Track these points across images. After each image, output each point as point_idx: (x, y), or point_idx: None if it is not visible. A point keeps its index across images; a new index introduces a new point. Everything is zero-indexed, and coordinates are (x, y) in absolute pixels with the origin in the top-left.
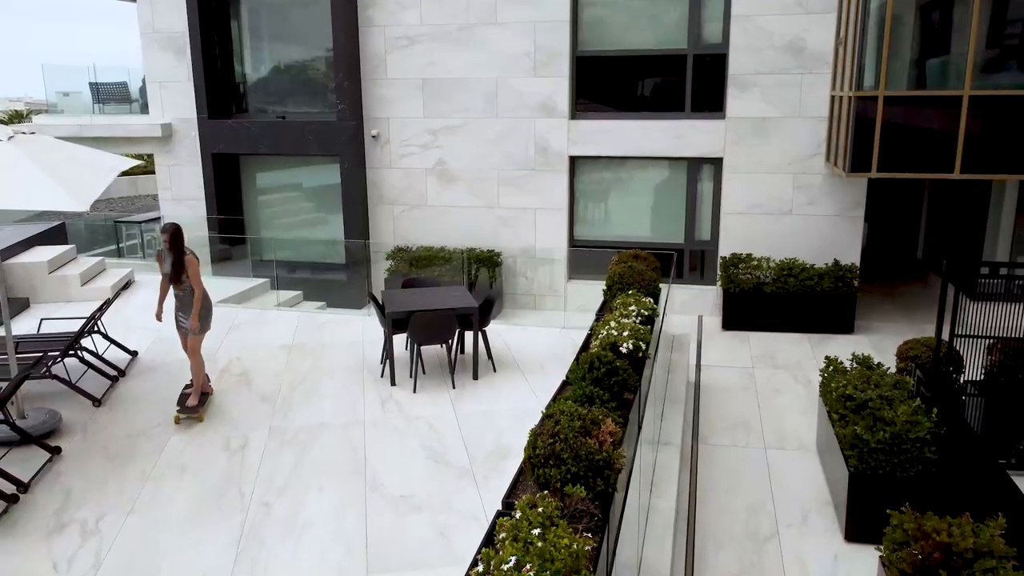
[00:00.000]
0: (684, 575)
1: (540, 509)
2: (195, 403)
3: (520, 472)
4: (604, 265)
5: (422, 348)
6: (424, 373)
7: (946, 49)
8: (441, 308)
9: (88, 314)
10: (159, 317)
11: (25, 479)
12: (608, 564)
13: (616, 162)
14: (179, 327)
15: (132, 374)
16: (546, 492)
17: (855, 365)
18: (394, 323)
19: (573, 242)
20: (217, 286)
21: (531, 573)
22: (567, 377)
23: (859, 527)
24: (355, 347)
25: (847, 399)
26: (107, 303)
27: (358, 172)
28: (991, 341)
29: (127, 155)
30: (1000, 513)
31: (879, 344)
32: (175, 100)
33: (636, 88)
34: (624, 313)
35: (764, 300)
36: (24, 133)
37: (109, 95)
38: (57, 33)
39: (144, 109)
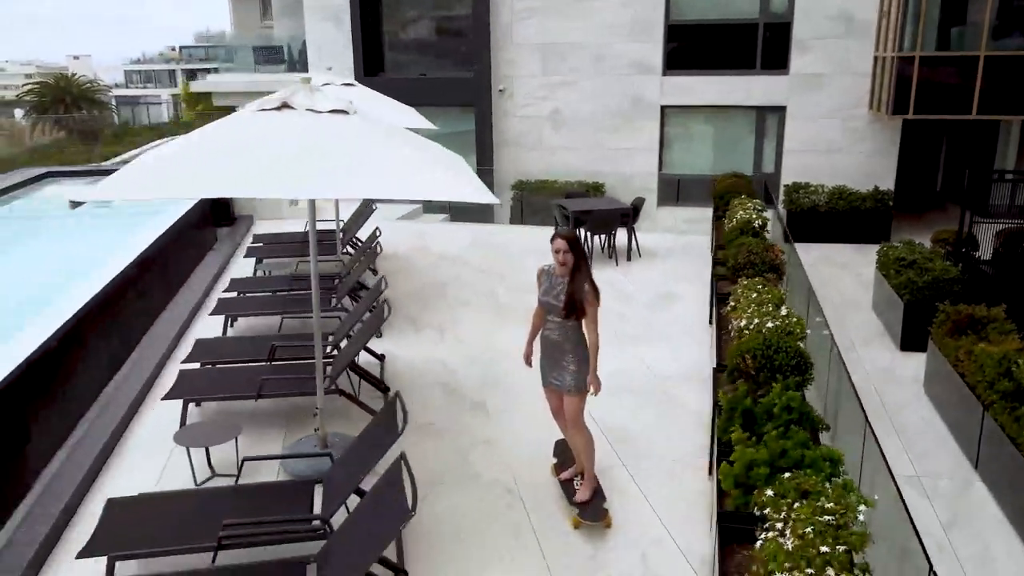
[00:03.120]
0: None
1: (756, 280)
2: (586, 497)
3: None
4: (687, 196)
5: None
6: (591, 257)
7: (967, 18)
8: (611, 208)
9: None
10: (528, 360)
11: None
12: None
13: (698, 110)
14: (548, 383)
15: (381, 258)
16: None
17: (902, 244)
18: (575, 220)
19: (662, 176)
20: (382, 210)
21: (770, 298)
22: (723, 242)
23: (909, 341)
24: (522, 243)
25: (900, 260)
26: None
27: (488, 120)
28: (1000, 227)
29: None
30: (1003, 303)
31: None
32: (330, 61)
33: (716, 50)
34: (744, 208)
35: (819, 218)
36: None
37: (268, 57)
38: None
39: (288, 68)
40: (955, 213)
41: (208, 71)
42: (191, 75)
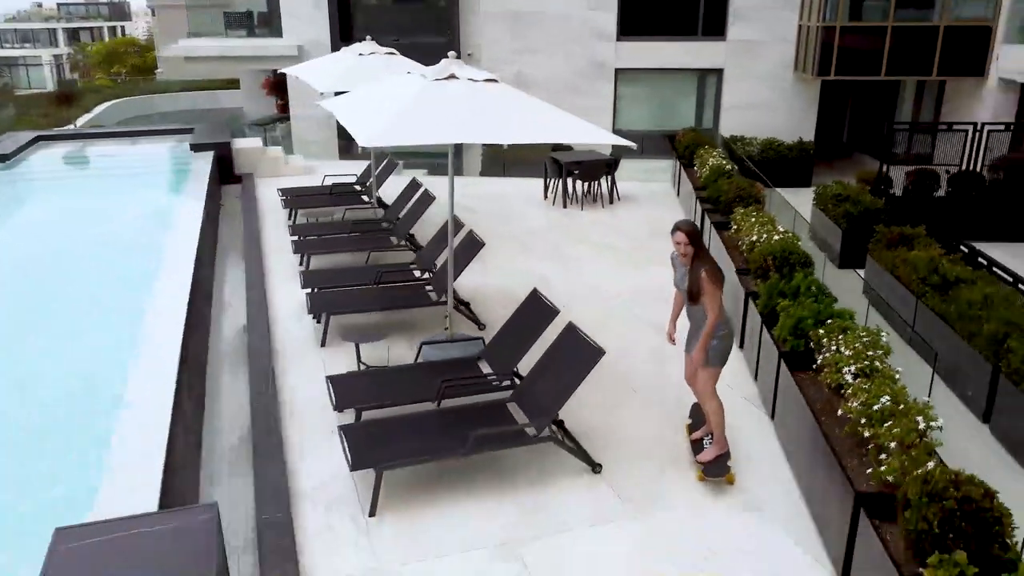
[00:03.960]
0: None
1: (750, 209)
2: (709, 458)
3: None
4: (641, 149)
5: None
6: (579, 201)
7: None
8: (598, 159)
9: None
10: (671, 338)
11: None
12: None
13: (648, 72)
14: (687, 351)
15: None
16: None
17: (834, 184)
18: (567, 170)
19: (616, 131)
20: (357, 168)
21: (766, 220)
22: (703, 183)
23: (847, 260)
24: (514, 192)
25: (836, 196)
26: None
27: None
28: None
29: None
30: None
31: None
32: (303, 27)
33: (663, 18)
34: (712, 156)
35: (754, 165)
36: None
37: (238, 22)
38: None
39: (251, 33)
40: (860, 160)
41: (92, 30)
42: (74, 34)
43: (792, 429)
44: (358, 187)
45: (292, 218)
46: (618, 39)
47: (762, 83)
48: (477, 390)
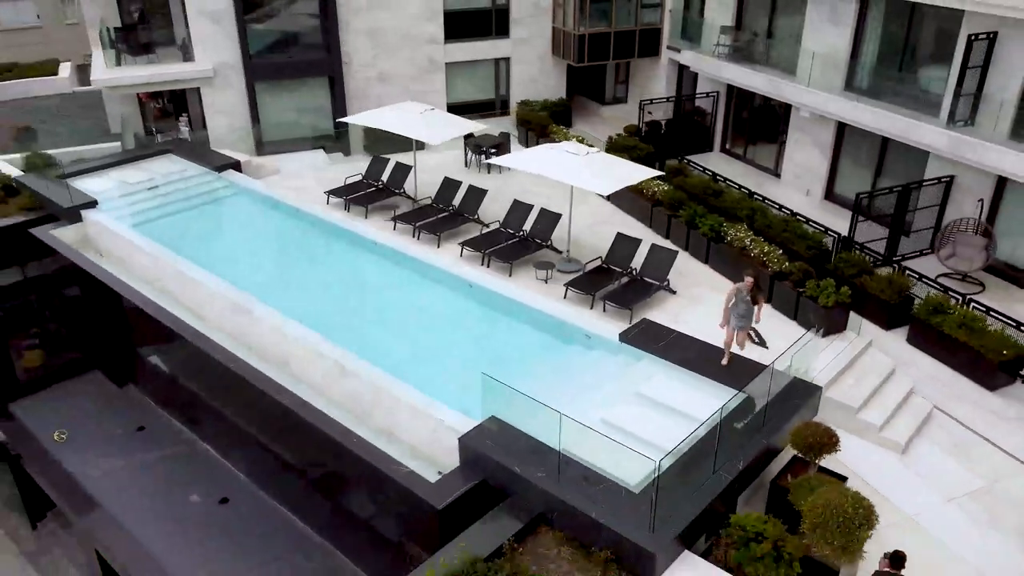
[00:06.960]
0: None
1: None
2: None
3: None
4: (470, 114)
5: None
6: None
7: (607, 6)
8: (499, 141)
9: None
10: (724, 327)
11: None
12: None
13: (464, 63)
14: (733, 326)
15: None
16: None
17: (617, 136)
18: (475, 145)
19: (448, 105)
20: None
21: None
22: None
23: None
24: (441, 164)
25: (625, 146)
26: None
27: (340, 83)
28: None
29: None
30: (664, 158)
31: (592, 128)
32: (214, 52)
33: (471, 26)
34: (563, 133)
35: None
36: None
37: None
38: None
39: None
40: (581, 101)
41: None
42: None
43: (726, 264)
44: (379, 184)
45: (359, 211)
46: (445, 42)
47: (534, 65)
48: (618, 277)
